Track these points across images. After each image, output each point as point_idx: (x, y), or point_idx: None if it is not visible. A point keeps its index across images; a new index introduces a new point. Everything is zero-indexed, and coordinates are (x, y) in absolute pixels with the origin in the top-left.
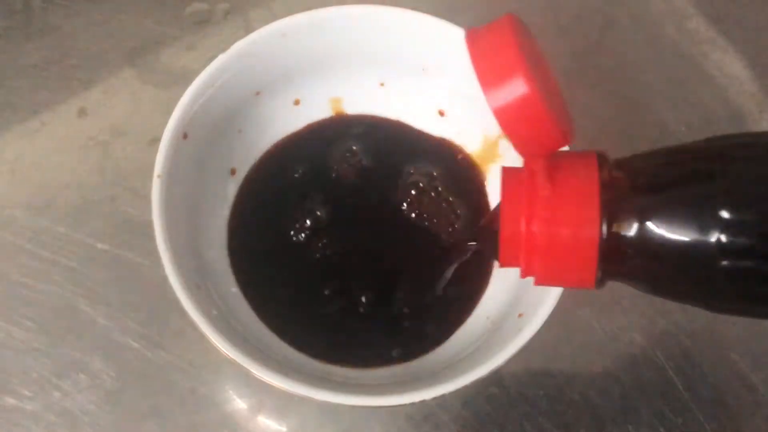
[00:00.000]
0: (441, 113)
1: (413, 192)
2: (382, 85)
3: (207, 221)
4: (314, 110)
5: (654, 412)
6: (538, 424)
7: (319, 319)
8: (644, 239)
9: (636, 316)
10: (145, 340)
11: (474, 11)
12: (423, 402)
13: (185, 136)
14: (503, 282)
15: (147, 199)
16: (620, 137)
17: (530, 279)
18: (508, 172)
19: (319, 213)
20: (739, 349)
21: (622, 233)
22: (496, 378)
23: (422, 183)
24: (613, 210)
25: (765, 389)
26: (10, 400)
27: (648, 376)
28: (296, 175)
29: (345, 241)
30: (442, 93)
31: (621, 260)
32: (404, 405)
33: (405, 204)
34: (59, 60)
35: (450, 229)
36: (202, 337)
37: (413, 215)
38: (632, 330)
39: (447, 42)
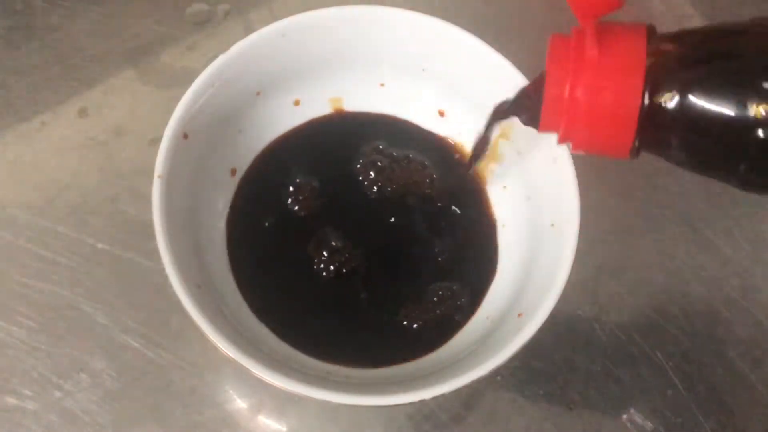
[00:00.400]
0: (441, 113)
1: (372, 173)
2: (382, 85)
3: (207, 221)
4: (314, 110)
5: (654, 412)
6: (538, 424)
7: (319, 318)
8: (684, 110)
9: (636, 316)
10: (145, 339)
11: (474, 11)
12: (423, 402)
13: (186, 136)
14: (504, 282)
15: (147, 199)
16: None
17: (529, 279)
18: (556, 37)
19: (315, 221)
20: (739, 348)
21: (663, 103)
22: (496, 378)
23: (379, 161)
24: (656, 80)
25: (764, 389)
26: (11, 400)
27: (648, 376)
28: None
29: (343, 243)
30: (442, 93)
31: (659, 130)
32: (404, 405)
33: (375, 189)
34: (60, 60)
35: (428, 180)
36: (202, 336)
37: (389, 190)
38: (632, 330)
39: (447, 42)
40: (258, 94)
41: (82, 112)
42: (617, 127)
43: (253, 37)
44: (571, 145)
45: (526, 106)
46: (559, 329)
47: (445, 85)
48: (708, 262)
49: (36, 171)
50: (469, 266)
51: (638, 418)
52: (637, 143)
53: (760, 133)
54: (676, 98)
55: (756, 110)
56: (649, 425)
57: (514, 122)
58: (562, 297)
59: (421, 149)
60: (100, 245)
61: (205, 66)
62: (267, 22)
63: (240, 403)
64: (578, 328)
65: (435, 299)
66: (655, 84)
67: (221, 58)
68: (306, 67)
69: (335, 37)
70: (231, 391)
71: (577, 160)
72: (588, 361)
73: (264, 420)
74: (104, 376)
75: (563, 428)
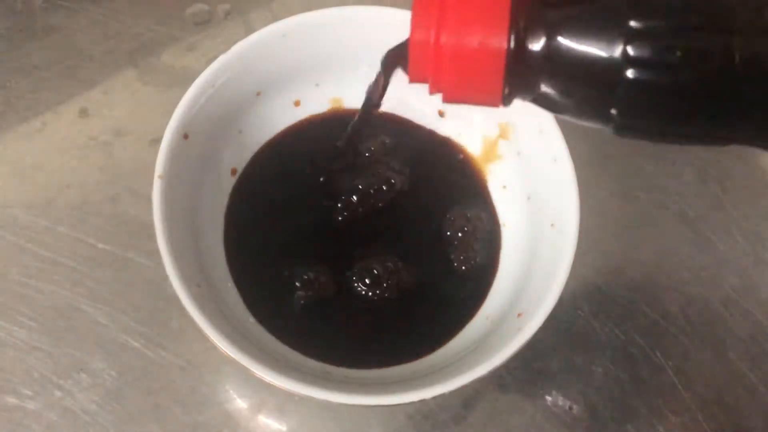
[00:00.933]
0: (441, 114)
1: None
2: None
3: (207, 221)
4: (314, 110)
5: (654, 412)
6: (538, 424)
7: (318, 320)
8: (552, 52)
9: (636, 315)
10: (145, 339)
11: None
12: (423, 401)
13: (186, 136)
14: (504, 282)
15: (148, 199)
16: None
17: (529, 279)
18: None
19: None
20: (739, 349)
21: (530, 46)
22: (496, 378)
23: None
24: (522, 21)
25: (764, 389)
26: (12, 400)
27: (648, 376)
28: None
29: (382, 268)
30: None
31: (528, 75)
32: (404, 404)
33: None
34: (60, 60)
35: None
36: (202, 336)
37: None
38: (632, 330)
39: None
40: (258, 94)
41: (83, 113)
42: (485, 74)
43: (254, 37)
44: (442, 96)
45: (399, 57)
46: (559, 329)
47: None
48: (708, 262)
49: (36, 171)
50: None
51: (638, 419)
52: (507, 90)
53: (629, 73)
54: (543, 40)
55: (623, 50)
56: (649, 426)
57: (514, 122)
58: (562, 297)
59: (423, 148)
60: (100, 245)
61: (205, 66)
62: (267, 23)
63: (240, 403)
64: (578, 327)
65: (461, 235)
66: (520, 26)
67: (221, 59)
68: (306, 67)
69: (335, 37)
70: (231, 391)
71: (577, 161)
72: (588, 361)
73: (264, 420)
74: (104, 376)
75: (563, 428)
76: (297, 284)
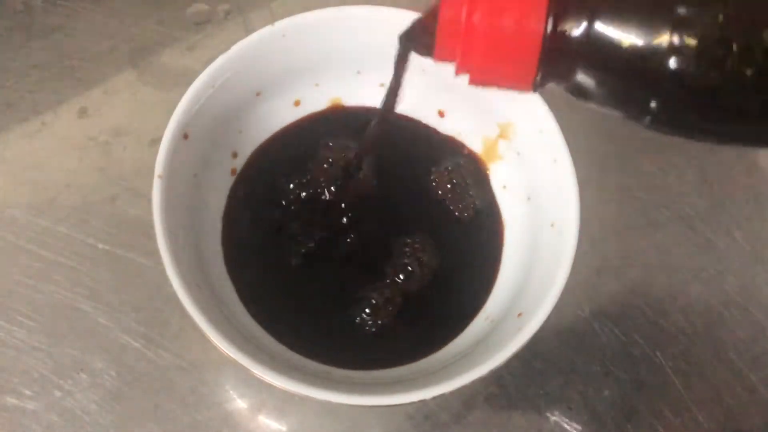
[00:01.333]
0: (441, 114)
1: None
2: (382, 85)
3: (207, 221)
4: (314, 110)
5: (654, 411)
6: (537, 424)
7: (318, 321)
8: (592, 39)
9: (636, 316)
10: (145, 339)
11: None
12: (423, 402)
13: (186, 136)
14: (504, 282)
15: (148, 199)
16: (619, 144)
17: (530, 279)
18: None
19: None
20: (738, 349)
21: (569, 31)
22: (496, 378)
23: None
24: (561, 4)
25: (764, 389)
26: (11, 400)
27: (648, 376)
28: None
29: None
30: (442, 93)
31: (564, 61)
32: (404, 405)
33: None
34: (60, 60)
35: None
36: (202, 336)
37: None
38: (632, 330)
39: None
40: (258, 94)
41: (82, 112)
42: (518, 57)
43: (253, 37)
44: (468, 77)
45: (422, 33)
46: (559, 329)
47: (445, 85)
48: (708, 262)
49: (36, 171)
50: (473, 263)
51: (638, 419)
52: (539, 76)
53: (673, 64)
54: (584, 25)
55: (669, 38)
56: (649, 426)
57: (514, 122)
58: (562, 297)
59: (424, 146)
60: (100, 245)
61: (205, 66)
62: (267, 23)
63: (240, 403)
64: (578, 328)
65: (450, 187)
66: (560, 8)
67: (221, 59)
68: (306, 67)
69: (335, 37)
70: (231, 391)
71: (577, 161)
72: (588, 361)
73: (264, 420)
74: (104, 376)
75: (563, 428)
76: (366, 310)
